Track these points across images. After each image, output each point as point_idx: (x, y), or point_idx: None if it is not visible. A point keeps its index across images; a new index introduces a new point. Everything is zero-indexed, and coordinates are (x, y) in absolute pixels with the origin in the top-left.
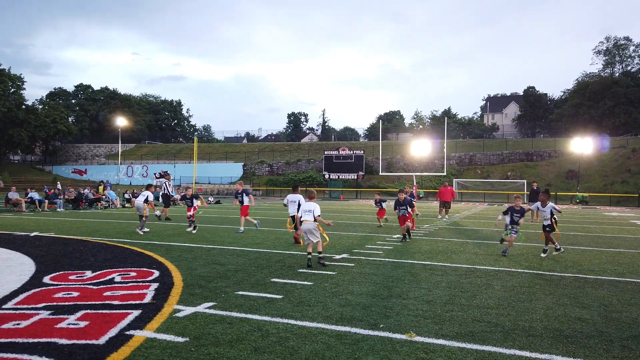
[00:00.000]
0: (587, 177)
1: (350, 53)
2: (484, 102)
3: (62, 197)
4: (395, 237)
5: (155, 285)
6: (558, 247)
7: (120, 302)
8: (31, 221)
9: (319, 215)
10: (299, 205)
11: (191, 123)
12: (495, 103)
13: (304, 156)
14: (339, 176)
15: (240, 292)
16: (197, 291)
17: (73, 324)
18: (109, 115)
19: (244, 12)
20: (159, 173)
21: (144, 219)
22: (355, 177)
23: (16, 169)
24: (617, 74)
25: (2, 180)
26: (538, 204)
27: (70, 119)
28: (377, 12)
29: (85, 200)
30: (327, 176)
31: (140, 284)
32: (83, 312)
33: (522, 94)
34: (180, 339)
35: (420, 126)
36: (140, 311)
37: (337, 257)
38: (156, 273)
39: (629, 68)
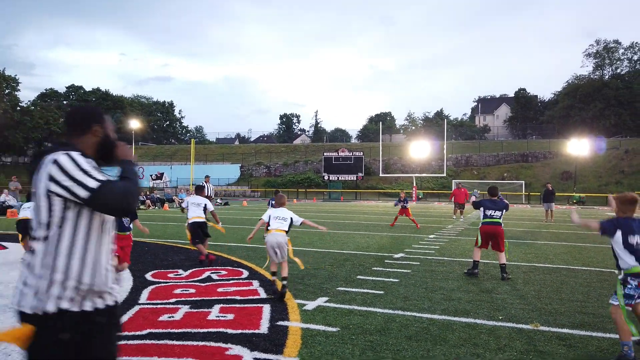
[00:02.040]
0: (582, 178)
1: (339, 55)
2: (476, 103)
3: None
4: (431, 237)
5: (256, 282)
6: None
7: (242, 297)
8: None
9: (303, 221)
10: (205, 209)
11: (183, 124)
12: (486, 104)
13: (300, 157)
14: (338, 177)
15: (341, 288)
16: (300, 287)
17: (222, 316)
18: (122, 118)
19: (232, 13)
20: (155, 175)
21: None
22: (355, 179)
23: (9, 171)
24: (607, 77)
25: (19, 182)
26: None
27: (62, 120)
28: (366, 14)
29: None
30: (326, 177)
31: (240, 281)
32: (219, 305)
33: (512, 95)
34: (332, 329)
35: (413, 127)
36: (269, 305)
37: (396, 255)
38: (245, 271)
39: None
